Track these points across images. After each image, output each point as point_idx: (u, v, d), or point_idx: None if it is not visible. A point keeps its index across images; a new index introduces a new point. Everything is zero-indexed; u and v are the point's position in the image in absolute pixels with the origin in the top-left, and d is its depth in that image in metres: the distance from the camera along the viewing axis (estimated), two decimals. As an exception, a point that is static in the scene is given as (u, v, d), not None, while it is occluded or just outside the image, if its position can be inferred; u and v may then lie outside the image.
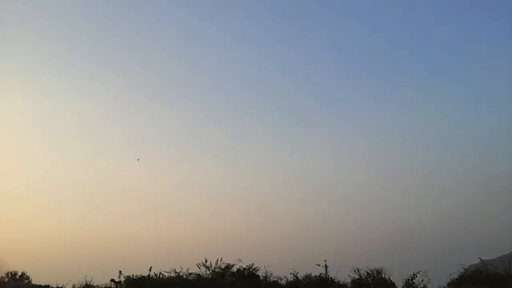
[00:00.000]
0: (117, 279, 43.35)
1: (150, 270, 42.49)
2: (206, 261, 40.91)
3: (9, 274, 52.17)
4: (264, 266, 40.75)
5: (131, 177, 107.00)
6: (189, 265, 41.32)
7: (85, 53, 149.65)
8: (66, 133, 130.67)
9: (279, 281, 39.79)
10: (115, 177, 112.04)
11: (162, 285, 40.90)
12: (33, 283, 52.17)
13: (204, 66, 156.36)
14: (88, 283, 44.09)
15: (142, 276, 42.64)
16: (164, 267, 42.51)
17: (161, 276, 42.24)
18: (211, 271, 40.62)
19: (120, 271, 43.67)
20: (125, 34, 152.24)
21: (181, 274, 40.85)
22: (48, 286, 48.99)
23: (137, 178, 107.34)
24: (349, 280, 37.91)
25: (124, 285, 42.63)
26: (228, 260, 40.87)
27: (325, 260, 39.81)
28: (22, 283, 52.00)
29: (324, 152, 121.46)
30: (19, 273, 52.10)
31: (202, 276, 40.70)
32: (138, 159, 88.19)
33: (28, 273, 53.47)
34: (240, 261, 40.73)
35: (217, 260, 40.91)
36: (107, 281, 43.71)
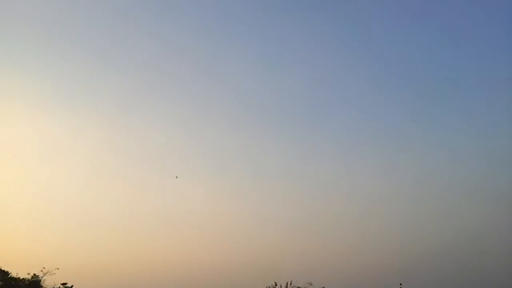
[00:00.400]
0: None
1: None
2: (275, 285, 40.88)
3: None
4: (337, 291, 39.93)
5: (195, 202, 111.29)
6: (258, 289, 41.40)
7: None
8: (134, 160, 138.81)
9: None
10: (180, 202, 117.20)
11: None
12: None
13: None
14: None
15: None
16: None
17: (230, 300, 42.97)
18: (281, 295, 40.42)
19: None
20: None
21: (250, 297, 41.31)
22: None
23: (201, 203, 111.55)
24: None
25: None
26: (298, 283, 40.34)
27: (401, 284, 38.11)
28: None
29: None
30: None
31: (272, 299, 40.66)
32: (176, 177, 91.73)
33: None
34: (311, 285, 40.17)
35: (287, 283, 40.85)
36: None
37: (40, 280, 60.49)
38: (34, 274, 61.17)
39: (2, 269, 72.80)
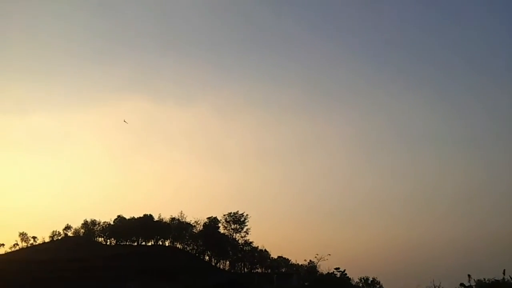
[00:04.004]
0: (467, 283, 44.23)
1: (504, 273, 41.50)
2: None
3: (362, 280, 61.55)
4: None
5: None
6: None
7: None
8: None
9: None
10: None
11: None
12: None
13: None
14: (437, 287, 46.63)
15: (496, 280, 42.33)
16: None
17: (520, 279, 40.65)
18: None
19: (469, 275, 44.39)
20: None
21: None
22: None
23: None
24: None
25: (475, 289, 43.14)
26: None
27: None
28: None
29: None
30: (371, 279, 60.65)
31: None
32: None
33: (378, 278, 61.42)
34: None
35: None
36: (456, 285, 45.37)
37: (316, 266, 70.07)
38: (310, 261, 71.26)
39: (284, 256, 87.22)
